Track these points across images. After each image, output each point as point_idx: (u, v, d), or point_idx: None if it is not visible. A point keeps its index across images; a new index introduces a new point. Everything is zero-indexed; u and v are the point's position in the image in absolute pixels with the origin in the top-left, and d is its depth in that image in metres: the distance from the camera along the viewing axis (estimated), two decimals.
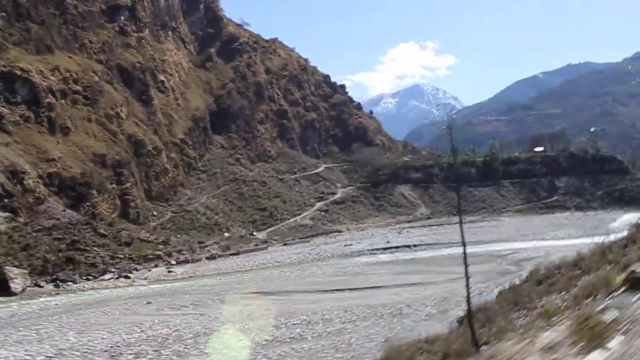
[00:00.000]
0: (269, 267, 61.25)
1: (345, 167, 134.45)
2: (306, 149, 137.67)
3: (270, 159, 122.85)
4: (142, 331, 33.18)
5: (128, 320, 36.49)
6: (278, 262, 64.42)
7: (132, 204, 76.79)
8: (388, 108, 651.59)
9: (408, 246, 72.24)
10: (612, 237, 15.90)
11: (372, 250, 70.79)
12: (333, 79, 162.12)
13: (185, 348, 27.21)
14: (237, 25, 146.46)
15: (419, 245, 73.06)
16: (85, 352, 26.43)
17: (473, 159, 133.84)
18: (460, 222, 11.40)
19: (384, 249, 71.39)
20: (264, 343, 28.53)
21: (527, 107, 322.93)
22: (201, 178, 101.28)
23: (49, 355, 25.84)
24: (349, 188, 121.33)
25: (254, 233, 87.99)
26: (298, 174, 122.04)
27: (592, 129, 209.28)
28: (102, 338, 29.22)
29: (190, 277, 57.39)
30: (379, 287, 43.76)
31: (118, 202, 75.27)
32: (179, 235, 78.10)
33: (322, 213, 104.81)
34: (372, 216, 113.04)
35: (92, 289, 52.51)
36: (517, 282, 25.03)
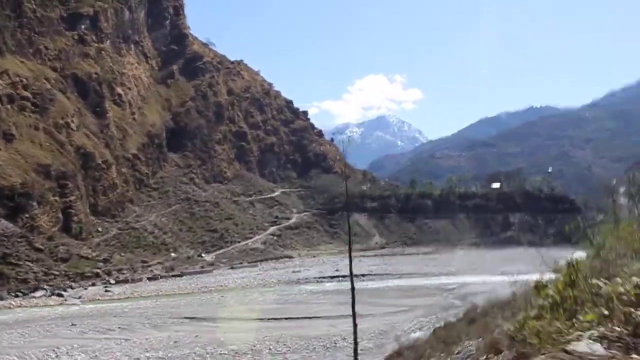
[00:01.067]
0: (210, 290, 59.23)
1: (302, 192, 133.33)
2: (264, 173, 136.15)
3: (226, 181, 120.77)
4: (56, 357, 31.06)
5: (45, 343, 34.21)
6: (221, 286, 62.40)
7: (75, 218, 73.80)
8: (353, 137, 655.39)
9: (356, 276, 70.97)
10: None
11: (319, 278, 69.41)
12: (300, 105, 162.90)
13: None
14: (203, 44, 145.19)
15: (368, 275, 72.03)
16: None
17: (430, 192, 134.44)
18: (350, 257, 10.41)
19: (332, 277, 70.05)
20: None
21: (489, 145, 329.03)
22: (152, 195, 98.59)
23: None
24: (304, 214, 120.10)
25: (202, 255, 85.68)
26: (254, 196, 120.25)
27: (549, 169, 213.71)
28: None
29: (128, 297, 55.05)
30: (317, 317, 42.47)
31: (60, 215, 72.19)
32: (123, 254, 75.33)
33: (275, 238, 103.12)
34: (325, 243, 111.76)
35: (19, 306, 49.74)
36: (454, 319, 24.22)
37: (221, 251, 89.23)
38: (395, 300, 50.99)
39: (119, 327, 38.52)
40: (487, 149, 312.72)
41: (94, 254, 69.54)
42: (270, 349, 32.16)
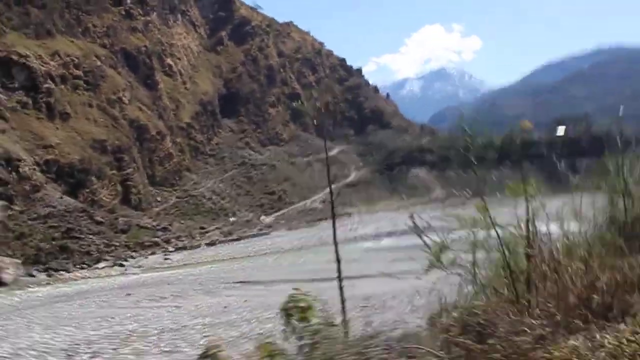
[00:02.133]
0: (267, 253, 59.53)
1: (360, 150, 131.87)
2: (320, 132, 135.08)
3: (282, 143, 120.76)
4: (110, 326, 31.55)
5: (101, 314, 34.95)
6: (278, 248, 62.66)
7: (134, 189, 75.64)
8: (413, 91, 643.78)
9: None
10: None
11: (377, 235, 68.56)
12: (357, 62, 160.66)
13: (146, 346, 25.51)
14: (251, 8, 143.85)
15: (427, 229, 70.53)
16: (44, 351, 24.87)
17: (490, 141, 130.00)
18: (335, 243, 9.25)
19: (389, 233, 69.09)
20: (229, 340, 26.72)
21: (555, 90, 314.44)
22: (209, 162, 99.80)
23: (3, 355, 24.34)
24: (362, 171, 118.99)
25: (261, 217, 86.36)
26: (311, 156, 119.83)
27: (621, 107, 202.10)
28: (66, 334, 27.60)
29: (185, 264, 56.01)
30: (369, 276, 41.76)
31: (119, 188, 74.15)
32: (182, 221, 76.82)
33: (334, 196, 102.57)
34: (384, 199, 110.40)
35: (83, 278, 51.42)
36: None
37: (280, 213, 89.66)
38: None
39: (172, 295, 38.94)
40: (553, 95, 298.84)
41: (154, 223, 71.08)
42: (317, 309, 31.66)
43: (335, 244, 9.88)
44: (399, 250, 55.85)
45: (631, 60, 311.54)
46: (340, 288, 9.80)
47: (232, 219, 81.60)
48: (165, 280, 45.68)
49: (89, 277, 50.99)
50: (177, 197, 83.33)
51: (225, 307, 34.40)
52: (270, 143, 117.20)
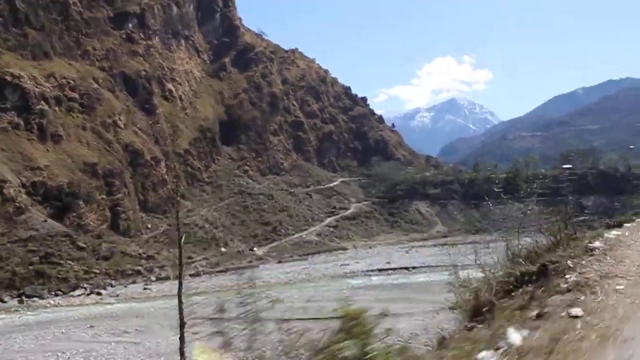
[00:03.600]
0: (251, 287, 57.38)
1: (363, 181, 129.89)
2: (323, 162, 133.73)
3: (282, 172, 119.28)
4: None
5: (53, 347, 33.01)
6: (263, 282, 60.39)
7: (123, 215, 73.99)
8: (424, 122, 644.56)
9: (407, 268, 67.38)
10: None
11: (367, 271, 66.17)
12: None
13: None
14: (256, 35, 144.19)
15: (419, 267, 68.17)
16: None
17: (495, 176, 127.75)
18: (180, 290, 7.54)
19: (380, 270, 66.68)
20: None
21: (564, 124, 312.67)
22: (205, 190, 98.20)
23: None
24: (363, 203, 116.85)
25: (254, 248, 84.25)
26: (311, 187, 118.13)
27: (630, 146, 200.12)
28: None
29: (165, 295, 53.91)
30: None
31: (108, 213, 72.54)
32: (171, 249, 74.64)
33: (331, 229, 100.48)
34: (384, 233, 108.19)
35: (55, 305, 49.55)
36: None
37: (273, 244, 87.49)
38: (440, 296, 47.33)
39: (136, 330, 37.02)
40: (563, 128, 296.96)
41: (141, 251, 69.25)
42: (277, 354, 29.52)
43: (181, 310, 8.16)
44: (385, 289, 53.70)
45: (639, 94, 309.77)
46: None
47: (223, 249, 79.56)
48: (136, 313, 43.67)
49: (61, 305, 49.06)
50: (168, 225, 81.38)
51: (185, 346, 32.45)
52: (270, 172, 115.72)
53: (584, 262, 7.11)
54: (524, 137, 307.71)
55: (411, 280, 59.32)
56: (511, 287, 7.20)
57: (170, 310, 44.16)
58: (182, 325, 8.17)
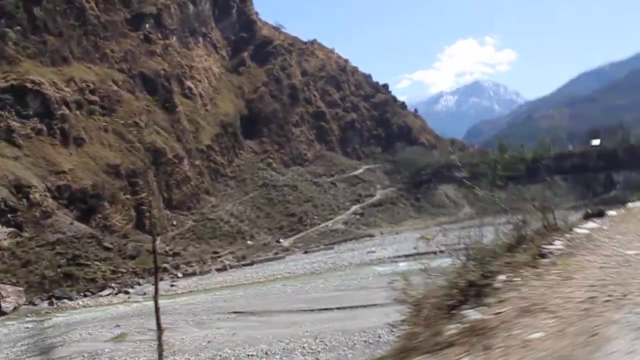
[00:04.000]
0: (277, 278, 57.42)
1: (387, 167, 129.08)
2: (347, 151, 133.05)
3: (306, 162, 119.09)
4: None
5: (78, 349, 33.49)
6: (289, 272, 60.47)
7: (148, 214, 74.69)
8: (448, 106, 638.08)
9: (434, 252, 66.63)
10: None
11: (394, 257, 65.65)
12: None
13: None
14: (274, 28, 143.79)
15: (446, 250, 67.41)
16: None
17: (522, 156, 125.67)
18: (156, 295, 7.29)
19: (407, 256, 65.93)
20: None
21: (592, 100, 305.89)
22: (229, 184, 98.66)
23: None
24: (389, 189, 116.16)
25: (280, 240, 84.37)
26: (336, 176, 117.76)
27: None
28: None
29: (191, 291, 54.41)
30: (373, 305, 39.16)
31: (133, 212, 73.37)
32: (197, 245, 75.52)
33: (357, 216, 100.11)
34: (411, 218, 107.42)
35: (85, 306, 50.30)
36: None
37: (300, 235, 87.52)
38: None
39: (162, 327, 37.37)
40: (590, 105, 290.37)
41: (167, 248, 69.97)
42: (304, 347, 29.33)
43: (157, 316, 7.89)
44: (413, 274, 53.31)
45: None
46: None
47: (249, 242, 79.89)
48: (162, 310, 44.06)
49: (90, 306, 49.80)
50: (194, 221, 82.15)
51: (209, 341, 32.42)
52: (293, 163, 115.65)
53: (520, 278, 5.23)
54: (550, 116, 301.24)
55: (437, 263, 58.68)
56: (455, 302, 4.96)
57: (194, 306, 44.51)
58: (159, 329, 7.95)
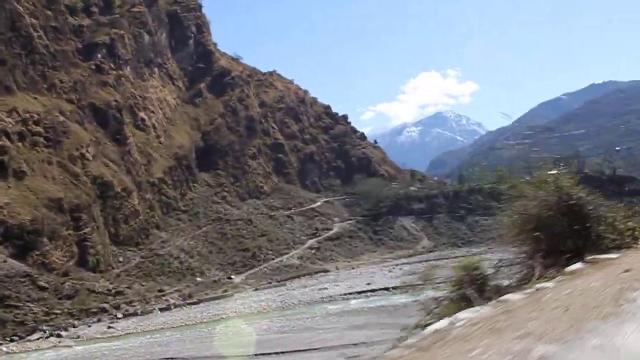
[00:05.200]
0: (221, 318, 55.11)
1: (347, 200, 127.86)
2: (305, 183, 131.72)
3: (263, 195, 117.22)
4: None
5: None
6: (235, 312, 58.15)
7: (92, 250, 71.61)
8: (412, 137, 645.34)
9: (387, 289, 65.25)
10: None
11: (346, 294, 64.00)
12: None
13: None
14: (233, 59, 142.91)
15: (400, 287, 65.88)
16: None
17: (480, 187, 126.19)
18: None
19: (360, 292, 64.52)
20: None
21: (550, 130, 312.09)
22: (181, 219, 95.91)
23: None
24: (347, 222, 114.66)
25: (232, 276, 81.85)
26: (293, 209, 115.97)
27: (617, 148, 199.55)
28: None
29: (129, 333, 51.69)
30: (316, 348, 37.37)
31: (75, 249, 70.16)
32: (144, 283, 72.53)
33: (313, 251, 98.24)
34: (369, 252, 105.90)
35: (8, 353, 47.13)
36: None
37: (252, 271, 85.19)
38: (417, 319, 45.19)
39: None
40: (549, 134, 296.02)
41: (111, 286, 66.89)
42: None
43: None
44: (362, 313, 51.53)
45: (625, 97, 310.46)
46: None
47: (198, 279, 77.25)
48: (90, 357, 41.36)
49: (14, 352, 46.68)
50: (142, 257, 79.18)
51: None
52: (249, 196, 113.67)
53: None
54: (512, 146, 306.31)
55: (390, 302, 57.13)
56: None
57: (126, 351, 41.93)
58: None
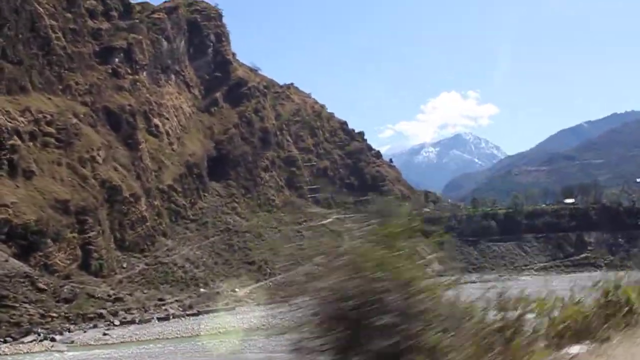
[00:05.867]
0: (218, 332, 53.71)
1: (358, 218, 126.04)
2: (317, 199, 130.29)
3: (274, 209, 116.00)
4: None
5: None
6: (233, 327, 56.70)
7: (96, 254, 70.78)
8: (429, 157, 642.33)
9: None
10: None
11: None
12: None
13: None
14: (250, 69, 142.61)
15: None
16: None
17: (494, 212, 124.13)
18: None
19: None
20: None
21: (570, 157, 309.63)
22: (189, 228, 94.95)
23: None
24: (357, 241, 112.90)
25: (236, 289, 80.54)
26: (303, 224, 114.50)
27: (637, 180, 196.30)
28: None
29: (123, 342, 50.42)
30: None
31: (79, 252, 69.37)
32: (146, 290, 71.52)
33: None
34: None
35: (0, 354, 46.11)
36: None
37: (257, 285, 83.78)
38: None
39: None
40: (568, 162, 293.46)
41: (112, 292, 65.96)
42: None
43: None
44: None
45: None
46: None
47: (202, 290, 76.07)
48: None
49: (6, 354, 45.62)
50: (146, 264, 78.23)
51: None
52: (260, 209, 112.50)
53: None
54: (529, 172, 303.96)
55: None
56: None
57: None
58: None
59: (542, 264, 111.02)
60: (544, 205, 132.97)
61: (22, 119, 74.02)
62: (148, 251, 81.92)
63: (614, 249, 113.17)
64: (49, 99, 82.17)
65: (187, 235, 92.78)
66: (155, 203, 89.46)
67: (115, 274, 72.96)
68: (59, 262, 65.84)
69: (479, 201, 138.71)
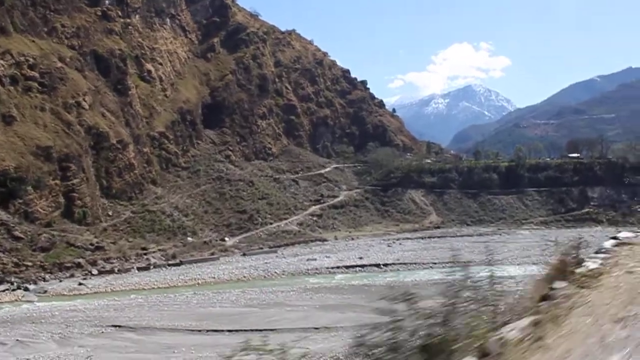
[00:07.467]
0: (195, 284, 52.59)
1: (358, 168, 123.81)
2: (316, 148, 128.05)
3: (270, 157, 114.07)
4: None
5: None
6: (213, 278, 55.58)
7: (79, 202, 69.40)
8: (439, 109, 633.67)
9: (377, 265, 62.13)
10: None
11: (334, 268, 60.99)
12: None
13: None
14: (250, 15, 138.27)
15: (392, 264, 62.70)
16: None
17: (496, 164, 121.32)
18: None
19: (348, 267, 61.44)
20: None
21: (580, 112, 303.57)
22: (180, 175, 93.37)
23: None
24: (354, 191, 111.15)
25: (225, 239, 79.46)
26: (300, 173, 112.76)
27: None
28: None
29: (97, 292, 49.45)
30: (272, 329, 34.21)
31: (62, 199, 68.01)
32: (131, 239, 70.44)
33: (314, 218, 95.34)
34: (373, 222, 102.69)
35: None
36: None
37: (247, 234, 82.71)
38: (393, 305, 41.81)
39: (18, 340, 32.39)
40: (577, 116, 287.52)
41: (95, 240, 64.87)
42: None
43: None
44: (339, 291, 48.43)
45: None
46: None
47: (189, 239, 74.90)
48: (38, 317, 38.97)
49: None
50: (132, 212, 76.96)
51: None
52: (256, 157, 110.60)
53: None
54: (537, 125, 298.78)
55: (376, 280, 54.06)
56: None
57: (77, 314, 39.46)
58: None
59: (542, 218, 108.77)
60: (547, 158, 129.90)
61: (2, 61, 71.55)
62: (136, 199, 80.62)
63: (617, 205, 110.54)
64: (32, 41, 79.38)
65: (178, 183, 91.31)
66: (145, 150, 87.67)
67: (100, 222, 71.79)
68: (40, 209, 64.56)
69: (481, 153, 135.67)
